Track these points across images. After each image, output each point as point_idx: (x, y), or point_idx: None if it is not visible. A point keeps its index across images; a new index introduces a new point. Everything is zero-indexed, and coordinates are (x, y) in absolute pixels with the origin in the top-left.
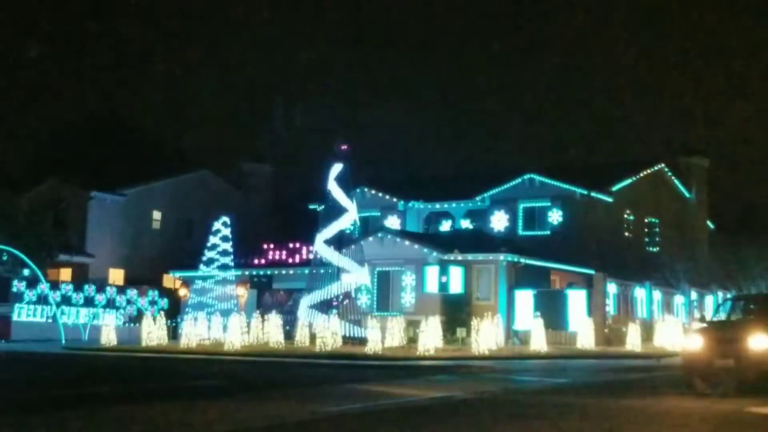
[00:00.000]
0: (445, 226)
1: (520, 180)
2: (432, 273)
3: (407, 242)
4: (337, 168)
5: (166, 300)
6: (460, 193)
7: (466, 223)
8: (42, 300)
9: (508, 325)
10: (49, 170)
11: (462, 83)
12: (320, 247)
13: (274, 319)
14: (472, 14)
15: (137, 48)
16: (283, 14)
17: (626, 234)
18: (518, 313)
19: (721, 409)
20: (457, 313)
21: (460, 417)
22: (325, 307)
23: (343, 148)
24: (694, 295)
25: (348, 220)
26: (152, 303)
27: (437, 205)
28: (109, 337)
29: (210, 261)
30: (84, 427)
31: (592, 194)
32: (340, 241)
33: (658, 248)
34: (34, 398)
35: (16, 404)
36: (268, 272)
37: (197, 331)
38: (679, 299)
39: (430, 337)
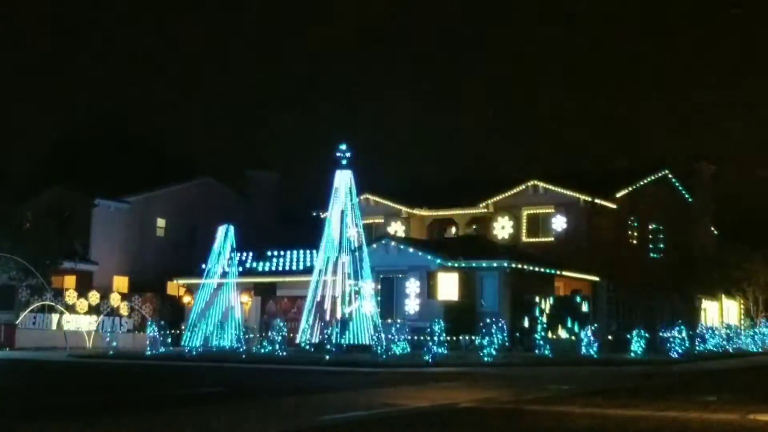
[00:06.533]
0: (449, 233)
1: (523, 187)
2: (436, 280)
3: (411, 249)
4: (340, 175)
5: (169, 307)
6: (464, 200)
7: (469, 230)
8: (46, 308)
9: (512, 332)
10: (53, 178)
11: (464, 89)
12: None
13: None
14: (473, 17)
15: (141, 55)
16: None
17: (630, 240)
18: (522, 320)
19: (723, 417)
20: (461, 319)
21: (459, 425)
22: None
23: (346, 154)
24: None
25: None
26: (156, 310)
27: (441, 212)
28: (112, 344)
29: (214, 268)
30: None
31: (596, 201)
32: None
33: (662, 254)
34: (34, 407)
35: (14, 413)
36: (272, 279)
37: (200, 338)
38: (683, 306)
39: (434, 344)
